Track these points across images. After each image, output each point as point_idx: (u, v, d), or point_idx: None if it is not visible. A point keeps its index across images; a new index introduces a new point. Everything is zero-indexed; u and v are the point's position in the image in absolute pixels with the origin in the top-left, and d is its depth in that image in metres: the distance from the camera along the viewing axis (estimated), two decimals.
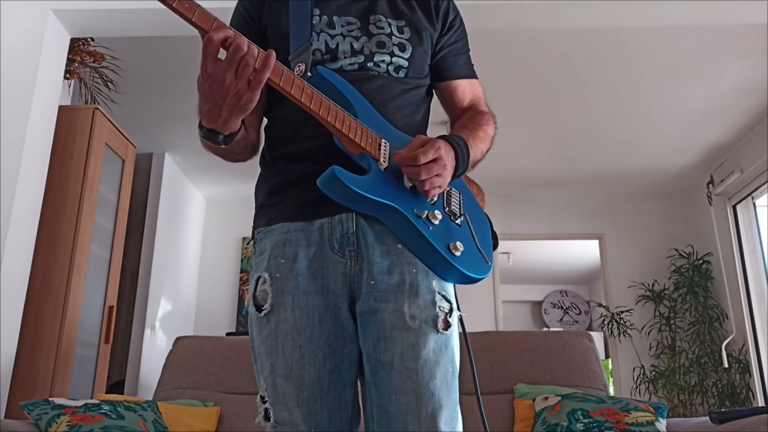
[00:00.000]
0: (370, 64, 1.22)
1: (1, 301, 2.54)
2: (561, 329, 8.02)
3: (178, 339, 2.93)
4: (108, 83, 3.46)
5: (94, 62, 3.28)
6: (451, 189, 1.21)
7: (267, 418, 1.10)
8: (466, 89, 1.38)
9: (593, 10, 2.80)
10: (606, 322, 5.49)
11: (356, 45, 1.23)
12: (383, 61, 1.23)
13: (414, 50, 1.26)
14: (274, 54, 0.95)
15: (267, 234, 1.19)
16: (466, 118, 1.34)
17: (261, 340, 1.12)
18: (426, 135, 1.33)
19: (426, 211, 1.12)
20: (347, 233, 1.13)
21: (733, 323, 4.87)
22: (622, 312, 5.42)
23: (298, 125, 1.17)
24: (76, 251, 2.93)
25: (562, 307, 9.11)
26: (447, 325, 1.11)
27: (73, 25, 2.97)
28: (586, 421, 2.16)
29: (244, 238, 5.89)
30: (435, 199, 1.15)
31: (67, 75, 3.16)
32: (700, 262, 5.25)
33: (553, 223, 5.81)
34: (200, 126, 1.05)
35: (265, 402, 1.11)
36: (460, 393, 1.13)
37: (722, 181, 4.83)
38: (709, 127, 4.46)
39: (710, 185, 5.11)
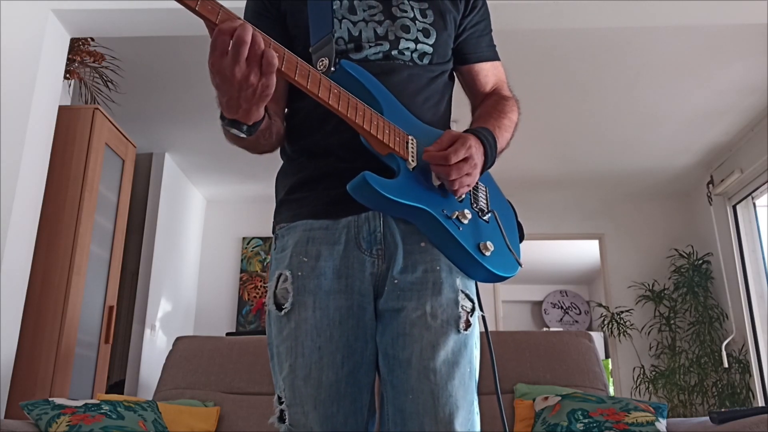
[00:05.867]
0: (394, 52, 1.18)
1: (1, 301, 2.54)
2: (561, 329, 8.02)
3: (178, 339, 2.93)
4: (108, 83, 3.46)
5: (94, 62, 3.28)
6: (478, 184, 1.18)
7: (282, 419, 1.08)
8: (489, 73, 1.34)
9: (593, 10, 2.80)
10: (606, 322, 5.49)
11: (380, 30, 1.19)
12: (408, 48, 1.19)
13: (438, 35, 1.22)
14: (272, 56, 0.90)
15: (289, 230, 1.16)
16: (489, 105, 1.30)
17: (281, 340, 1.10)
18: (450, 122, 1.30)
19: (456, 211, 1.09)
20: (374, 231, 1.11)
21: (733, 323, 4.87)
22: (622, 312, 5.42)
23: (323, 118, 1.11)
24: (76, 251, 2.93)
25: (562, 307, 9.10)
26: (468, 325, 1.10)
27: (73, 25, 2.96)
28: (586, 421, 2.16)
29: (244, 238, 5.88)
30: (463, 197, 1.12)
31: (67, 75, 3.16)
32: (700, 262, 5.25)
33: (553, 223, 5.81)
34: (222, 117, 0.99)
35: (281, 403, 1.09)
36: (480, 393, 1.11)
37: (722, 181, 4.83)
38: (709, 127, 4.46)
39: (710, 185, 5.11)
